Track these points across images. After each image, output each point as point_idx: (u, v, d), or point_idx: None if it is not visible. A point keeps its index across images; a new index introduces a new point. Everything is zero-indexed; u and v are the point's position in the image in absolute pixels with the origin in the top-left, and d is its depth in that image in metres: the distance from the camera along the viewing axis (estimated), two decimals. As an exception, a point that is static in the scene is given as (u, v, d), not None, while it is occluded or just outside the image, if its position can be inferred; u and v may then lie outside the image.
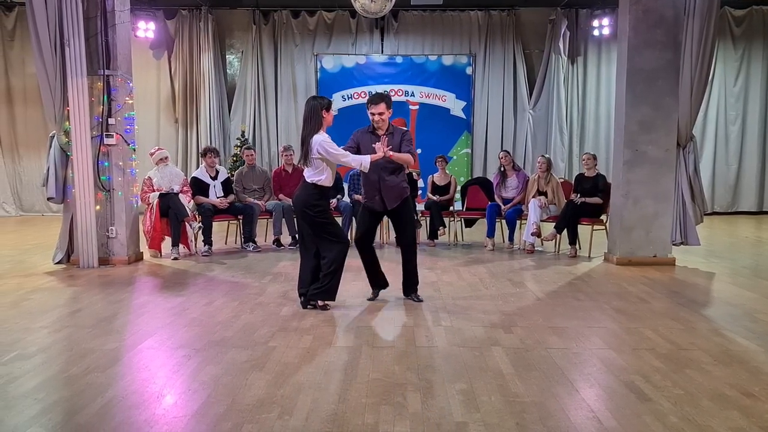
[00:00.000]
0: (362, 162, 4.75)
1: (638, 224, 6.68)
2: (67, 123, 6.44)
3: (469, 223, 8.64)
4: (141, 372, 3.50)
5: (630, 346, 3.96)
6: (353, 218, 7.81)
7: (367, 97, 5.11)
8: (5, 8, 11.41)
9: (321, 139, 4.65)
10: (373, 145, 4.82)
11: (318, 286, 4.80)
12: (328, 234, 4.77)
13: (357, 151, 4.98)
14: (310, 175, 4.73)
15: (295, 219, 7.83)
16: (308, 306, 4.84)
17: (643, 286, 5.67)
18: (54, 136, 6.51)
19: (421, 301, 5.08)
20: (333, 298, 4.88)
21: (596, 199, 7.26)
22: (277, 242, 7.89)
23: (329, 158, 4.67)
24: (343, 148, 4.87)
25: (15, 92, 11.62)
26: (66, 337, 4.15)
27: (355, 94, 11.72)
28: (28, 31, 6.46)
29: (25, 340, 4.05)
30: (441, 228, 7.91)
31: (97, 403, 3.05)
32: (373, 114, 4.93)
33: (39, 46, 6.27)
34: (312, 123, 4.68)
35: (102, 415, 2.92)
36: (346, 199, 8.13)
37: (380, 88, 11.61)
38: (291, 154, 8.14)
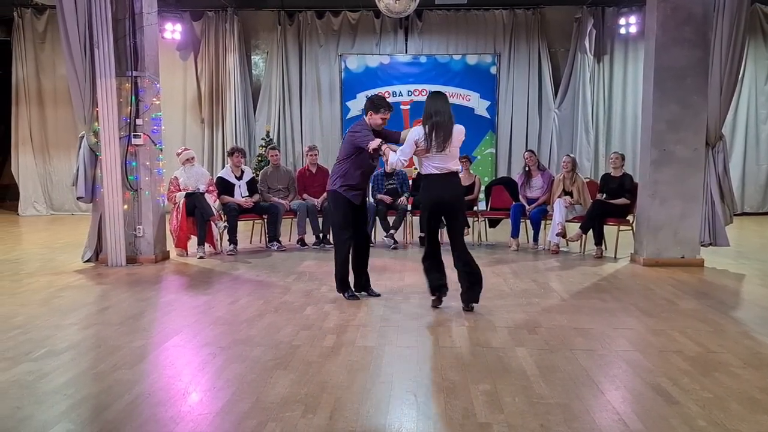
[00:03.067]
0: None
1: (666, 225, 6.57)
2: (96, 124, 6.55)
3: (494, 223, 8.58)
4: (167, 369, 3.55)
5: (657, 348, 3.90)
6: (377, 218, 7.84)
7: (383, 103, 5.16)
8: (36, 11, 11.64)
9: None
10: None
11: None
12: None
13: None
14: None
15: (320, 219, 7.92)
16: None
17: (671, 288, 5.59)
18: (83, 137, 6.63)
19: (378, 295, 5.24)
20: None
21: (623, 200, 7.16)
22: (301, 242, 7.92)
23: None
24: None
25: (46, 93, 11.85)
26: (94, 334, 4.23)
27: (380, 94, 11.70)
28: (58, 33, 6.60)
29: (55, 337, 4.13)
30: (465, 228, 7.86)
31: (125, 399, 3.10)
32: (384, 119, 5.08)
33: (69, 48, 6.39)
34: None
35: (129, 411, 2.96)
36: (370, 198, 8.14)
37: (404, 88, 11.64)
38: (316, 154, 8.19)
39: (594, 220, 7.13)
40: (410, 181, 8.35)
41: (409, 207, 8.09)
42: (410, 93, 11.66)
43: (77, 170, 6.68)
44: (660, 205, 6.57)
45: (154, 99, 6.88)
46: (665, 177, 6.54)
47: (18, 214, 11.81)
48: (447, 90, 11.63)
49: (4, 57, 11.96)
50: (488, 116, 11.76)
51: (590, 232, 7.22)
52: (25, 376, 3.42)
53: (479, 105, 11.74)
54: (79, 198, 6.83)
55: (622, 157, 7.46)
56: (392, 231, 7.78)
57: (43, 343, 3.99)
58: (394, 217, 7.91)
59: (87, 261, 6.76)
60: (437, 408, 2.99)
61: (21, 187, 11.93)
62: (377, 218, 7.83)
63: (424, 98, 11.20)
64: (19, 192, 11.96)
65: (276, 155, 8.22)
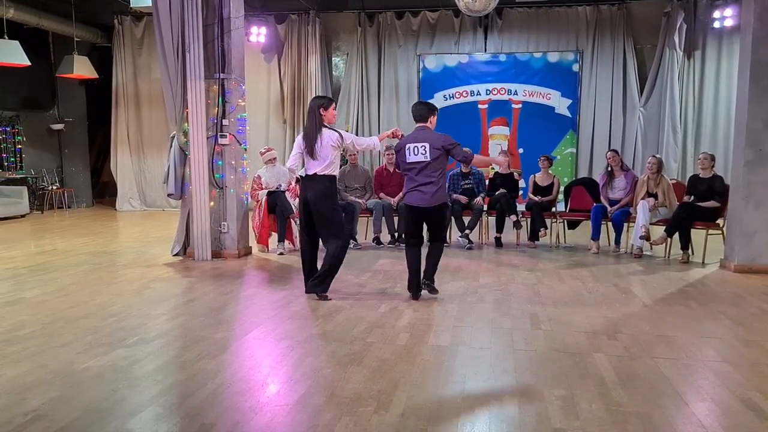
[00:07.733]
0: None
1: (761, 229, 6.20)
2: (186, 124, 6.89)
3: (573, 225, 8.35)
4: (247, 360, 3.70)
5: (748, 359, 3.70)
6: (452, 217, 7.79)
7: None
8: (135, 18, 12.37)
9: (329, 133, 5.07)
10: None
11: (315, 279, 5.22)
12: (334, 227, 5.18)
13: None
14: (322, 169, 5.06)
15: (395, 218, 7.97)
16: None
17: (765, 296, 5.26)
18: (174, 137, 6.98)
19: None
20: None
21: (712, 203, 6.80)
22: (377, 240, 8.01)
23: (351, 147, 5.34)
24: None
25: (142, 96, 12.58)
26: (181, 324, 4.46)
27: (457, 94, 11.67)
28: (154, 39, 6.98)
29: (146, 326, 4.39)
30: (542, 229, 7.73)
31: (208, 388, 3.26)
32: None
33: (163, 52, 6.75)
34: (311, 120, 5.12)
35: (212, 399, 3.11)
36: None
37: (482, 87, 11.54)
38: (393, 154, 8.24)
39: (680, 223, 6.82)
40: (486, 181, 8.27)
41: (485, 207, 8.01)
42: (488, 92, 11.54)
43: (168, 168, 7.04)
44: (754, 209, 6.20)
45: (240, 100, 7.15)
46: (761, 179, 6.17)
47: (116, 209, 12.60)
48: (527, 89, 11.49)
49: (106, 62, 12.76)
50: (569, 115, 11.46)
51: (676, 236, 6.91)
52: (119, 361, 3.66)
53: (560, 103, 11.47)
54: (169, 195, 7.19)
55: (712, 158, 7.08)
56: (467, 231, 7.72)
57: (136, 331, 4.25)
58: (469, 218, 7.87)
59: (175, 255, 7.11)
60: (510, 411, 2.97)
61: (119, 184, 12.73)
62: (453, 218, 7.80)
63: (502, 97, 11.31)
64: (117, 188, 12.75)
65: (354, 155, 8.34)
